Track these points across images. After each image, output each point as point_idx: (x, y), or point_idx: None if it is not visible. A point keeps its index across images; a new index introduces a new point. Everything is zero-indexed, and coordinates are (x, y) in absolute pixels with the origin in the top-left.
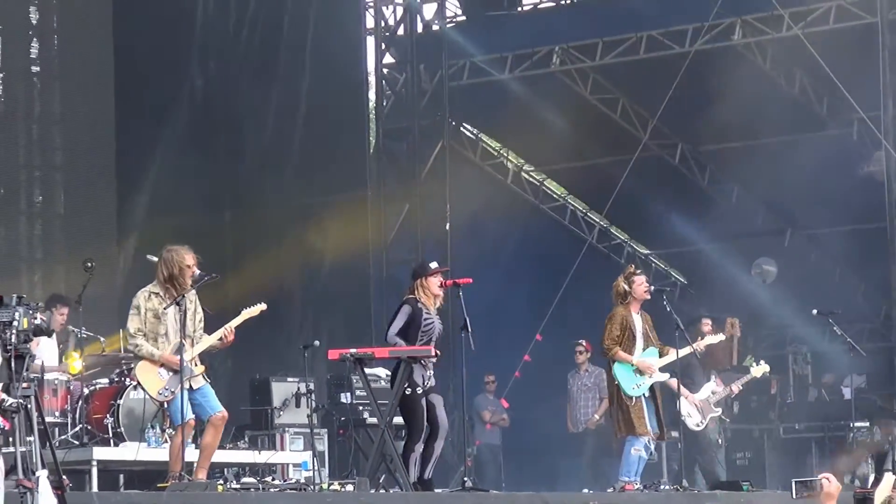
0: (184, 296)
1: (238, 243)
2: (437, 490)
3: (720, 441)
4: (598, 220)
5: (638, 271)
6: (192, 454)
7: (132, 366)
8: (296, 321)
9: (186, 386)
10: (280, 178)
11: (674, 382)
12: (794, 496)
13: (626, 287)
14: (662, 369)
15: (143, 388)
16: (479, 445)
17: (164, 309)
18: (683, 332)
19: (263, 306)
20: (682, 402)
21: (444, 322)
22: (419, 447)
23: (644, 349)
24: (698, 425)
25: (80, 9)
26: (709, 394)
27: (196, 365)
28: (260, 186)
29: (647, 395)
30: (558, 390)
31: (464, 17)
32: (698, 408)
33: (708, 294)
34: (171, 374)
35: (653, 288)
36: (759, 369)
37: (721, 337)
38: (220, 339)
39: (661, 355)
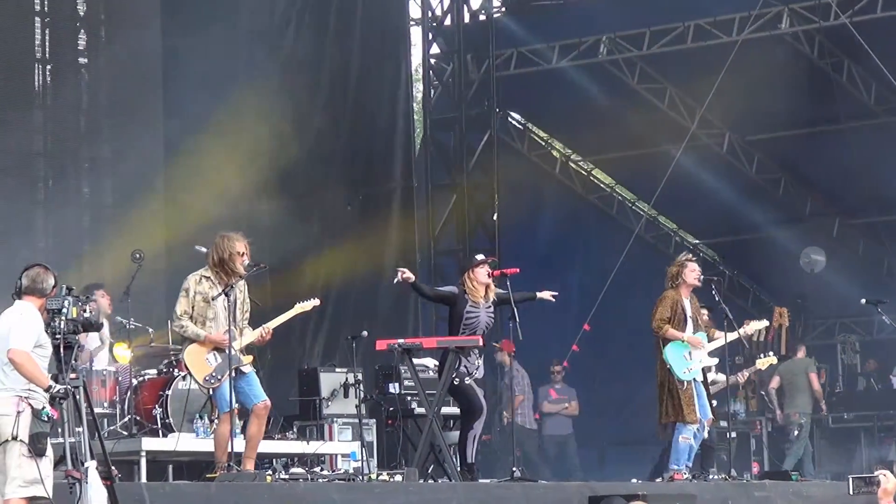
0: (233, 286)
1: (286, 235)
2: (485, 480)
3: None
4: (645, 210)
5: (693, 258)
6: (237, 444)
7: (180, 356)
8: (344, 311)
9: (224, 375)
10: (329, 168)
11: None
12: (851, 492)
13: (678, 271)
14: (710, 354)
15: (190, 374)
16: (545, 436)
17: (214, 298)
18: (732, 321)
19: (317, 301)
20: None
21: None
22: (478, 425)
23: (694, 332)
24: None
25: (128, 0)
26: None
27: (244, 354)
28: (308, 177)
29: (698, 379)
30: (605, 380)
31: (511, 7)
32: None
33: (756, 284)
34: (219, 360)
35: (703, 277)
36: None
37: (765, 322)
38: (258, 336)
39: (709, 340)
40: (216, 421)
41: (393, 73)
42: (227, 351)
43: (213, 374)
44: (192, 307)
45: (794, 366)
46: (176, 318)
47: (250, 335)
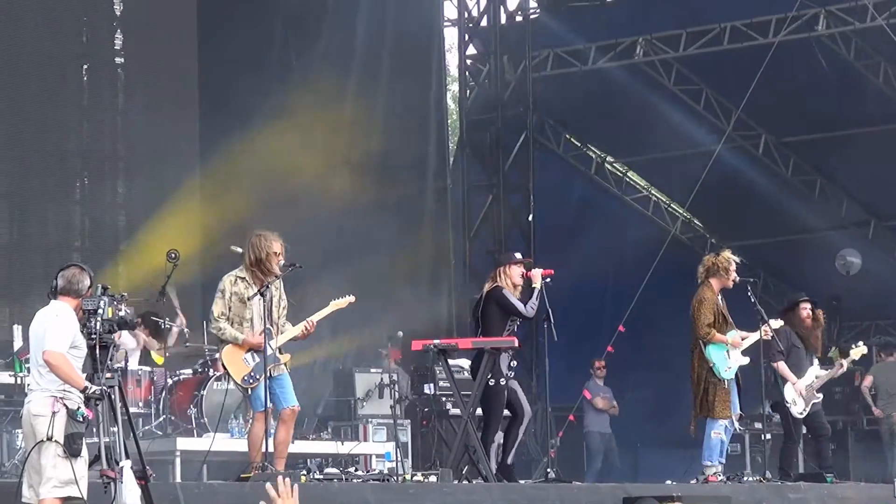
0: (268, 285)
1: (320, 236)
2: (520, 481)
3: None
4: (680, 212)
5: (734, 257)
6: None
7: (216, 356)
8: (378, 311)
9: (261, 375)
10: (361, 170)
11: (782, 366)
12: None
13: (725, 266)
14: (743, 353)
15: (228, 374)
16: (591, 432)
17: (250, 298)
18: (767, 322)
19: (352, 298)
20: (788, 388)
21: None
22: (499, 436)
23: (726, 329)
24: (801, 413)
25: (164, 0)
26: (813, 378)
27: (281, 353)
28: (339, 179)
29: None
30: (639, 381)
31: (547, 8)
32: (802, 395)
33: (791, 285)
34: (256, 360)
35: (738, 279)
36: (858, 350)
37: (780, 322)
38: (302, 330)
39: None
40: (251, 421)
41: (426, 73)
42: (263, 351)
43: (252, 374)
44: (229, 308)
45: (887, 368)
46: (213, 320)
47: (290, 332)
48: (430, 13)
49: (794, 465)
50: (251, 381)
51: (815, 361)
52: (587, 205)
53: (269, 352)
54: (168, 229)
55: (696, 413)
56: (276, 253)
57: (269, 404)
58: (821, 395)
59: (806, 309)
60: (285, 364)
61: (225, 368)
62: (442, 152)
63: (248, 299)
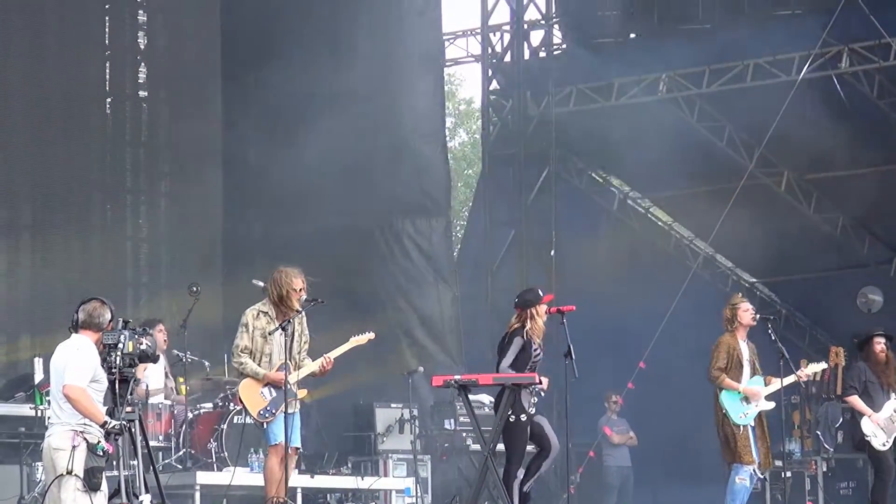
0: (290, 320)
1: (345, 265)
2: None
3: None
4: (703, 248)
5: (744, 298)
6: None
7: (235, 389)
8: (399, 346)
9: (278, 409)
10: (378, 199)
11: (854, 401)
12: None
13: (732, 314)
14: (767, 398)
15: (244, 407)
16: (609, 467)
17: (271, 333)
18: (788, 361)
19: (372, 335)
20: (865, 421)
21: (546, 348)
22: (520, 473)
23: (751, 377)
24: (884, 445)
25: (188, 34)
26: (891, 412)
27: (299, 388)
28: (360, 209)
29: (752, 424)
30: (659, 417)
31: (570, 44)
32: (882, 427)
33: (812, 323)
34: (273, 395)
35: (758, 316)
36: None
37: (823, 365)
38: (321, 366)
39: (765, 384)
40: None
41: (427, 103)
42: (282, 385)
43: (268, 409)
44: (252, 342)
45: None
46: (236, 353)
47: (309, 367)
48: (433, 49)
49: (887, 501)
50: (267, 415)
51: (893, 395)
52: (609, 241)
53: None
54: (190, 262)
55: (724, 456)
56: (296, 290)
57: (282, 438)
58: None
59: (880, 343)
60: (302, 399)
61: (241, 402)
62: (446, 183)
63: (269, 334)
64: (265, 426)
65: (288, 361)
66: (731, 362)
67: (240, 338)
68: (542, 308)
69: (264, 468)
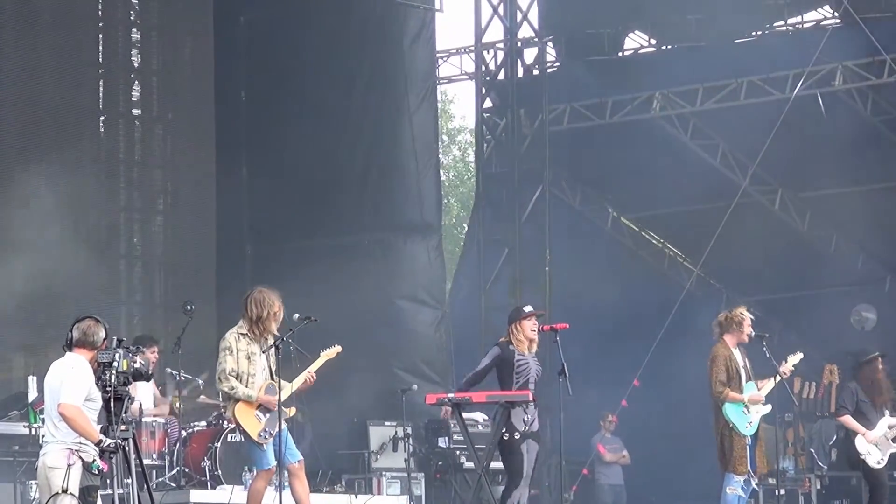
0: (283, 338)
1: (336, 282)
2: None
3: None
4: (695, 267)
5: (748, 311)
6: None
7: (226, 413)
8: (390, 364)
9: (275, 429)
10: (370, 217)
11: (847, 420)
12: None
13: (739, 321)
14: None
15: (243, 431)
16: (602, 485)
17: (263, 351)
18: (783, 379)
19: (339, 348)
20: (859, 440)
21: (542, 366)
22: (518, 492)
23: (745, 381)
24: (879, 463)
25: (182, 52)
26: (885, 429)
27: (287, 407)
28: (351, 227)
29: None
30: (653, 435)
31: (564, 62)
32: (877, 445)
33: (806, 340)
34: (267, 416)
35: (754, 334)
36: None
37: (800, 356)
38: (305, 381)
39: (757, 389)
40: (252, 477)
41: (420, 121)
42: (270, 407)
43: (266, 430)
44: (237, 364)
45: None
46: (224, 378)
47: (296, 382)
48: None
49: None
50: (266, 435)
51: (886, 412)
52: (603, 259)
53: (259, 395)
54: (184, 281)
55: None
56: (275, 312)
57: (273, 463)
58: None
59: (880, 363)
60: (291, 416)
61: (239, 425)
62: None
63: (264, 352)
64: (263, 448)
65: (272, 382)
66: (731, 373)
67: (224, 361)
68: (527, 323)
69: (250, 490)
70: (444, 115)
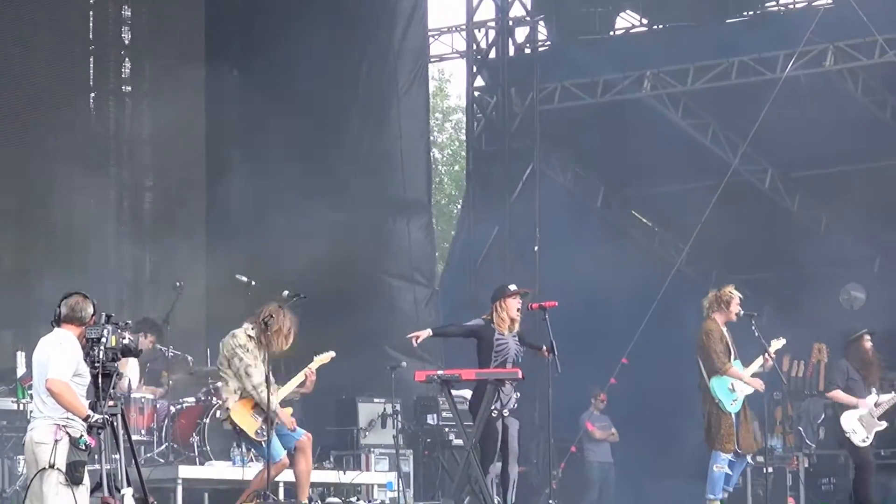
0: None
1: (326, 261)
2: None
3: None
4: (685, 245)
5: (737, 290)
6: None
7: (221, 414)
8: (381, 341)
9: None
10: (359, 196)
11: (838, 394)
12: None
13: (723, 301)
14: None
15: (240, 431)
16: (591, 462)
17: (263, 359)
18: (771, 357)
19: (332, 353)
20: (844, 418)
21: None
22: (493, 469)
23: (734, 360)
24: (864, 441)
25: (172, 29)
26: (872, 406)
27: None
28: (340, 206)
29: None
30: (642, 413)
31: (555, 41)
32: (862, 423)
33: (795, 320)
34: (263, 414)
35: (742, 313)
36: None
37: (783, 341)
38: (306, 377)
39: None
40: (252, 451)
41: (410, 100)
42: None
43: (263, 427)
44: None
45: None
46: (262, 387)
47: (292, 383)
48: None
49: (870, 497)
50: (263, 433)
51: (873, 391)
52: (593, 237)
53: (273, 407)
54: (173, 258)
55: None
56: (286, 336)
57: (283, 454)
58: (884, 424)
59: (869, 341)
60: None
61: (236, 425)
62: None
63: (257, 359)
64: (263, 445)
65: (274, 383)
66: (723, 348)
67: (251, 362)
68: (511, 302)
69: (256, 477)
70: (440, 93)
